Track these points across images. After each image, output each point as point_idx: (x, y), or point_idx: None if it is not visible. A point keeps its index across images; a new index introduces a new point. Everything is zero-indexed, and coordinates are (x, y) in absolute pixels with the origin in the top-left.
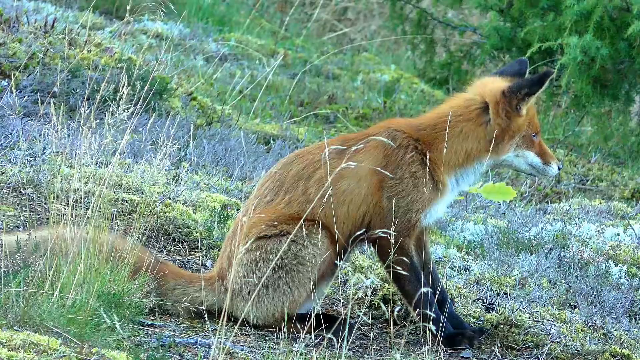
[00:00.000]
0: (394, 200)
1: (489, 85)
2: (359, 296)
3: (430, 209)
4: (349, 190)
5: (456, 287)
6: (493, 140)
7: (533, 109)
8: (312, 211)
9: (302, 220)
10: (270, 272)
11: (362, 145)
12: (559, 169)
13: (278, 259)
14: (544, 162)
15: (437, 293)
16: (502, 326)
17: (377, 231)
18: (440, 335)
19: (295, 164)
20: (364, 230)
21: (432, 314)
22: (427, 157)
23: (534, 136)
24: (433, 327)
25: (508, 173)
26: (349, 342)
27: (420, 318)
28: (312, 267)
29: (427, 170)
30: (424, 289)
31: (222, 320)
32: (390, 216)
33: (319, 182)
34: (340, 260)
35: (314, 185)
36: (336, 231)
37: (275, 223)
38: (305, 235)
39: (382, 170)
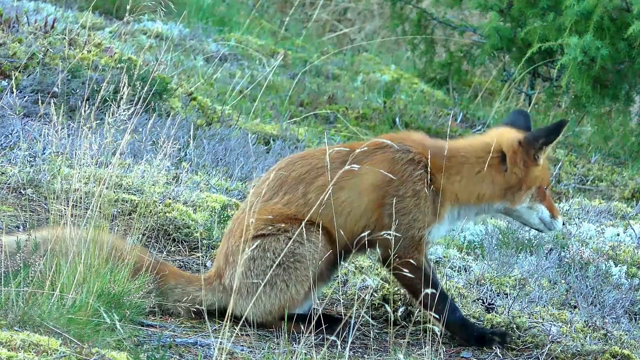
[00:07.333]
0: (395, 218)
1: (505, 134)
2: (360, 296)
3: (431, 229)
4: (348, 202)
5: (456, 287)
6: (509, 189)
7: (546, 162)
8: (311, 214)
9: (303, 222)
10: (268, 269)
11: (369, 158)
12: (562, 224)
13: (275, 257)
14: (552, 216)
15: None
16: (502, 326)
17: (393, 255)
18: (471, 340)
19: (299, 166)
20: (367, 232)
21: (458, 321)
22: (434, 181)
23: (545, 189)
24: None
25: None
26: (349, 343)
27: (448, 328)
28: (309, 265)
29: (432, 192)
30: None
31: (225, 321)
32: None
33: (319, 189)
34: (339, 263)
35: (314, 191)
36: (342, 233)
37: (273, 221)
38: (303, 233)
39: (383, 180)
